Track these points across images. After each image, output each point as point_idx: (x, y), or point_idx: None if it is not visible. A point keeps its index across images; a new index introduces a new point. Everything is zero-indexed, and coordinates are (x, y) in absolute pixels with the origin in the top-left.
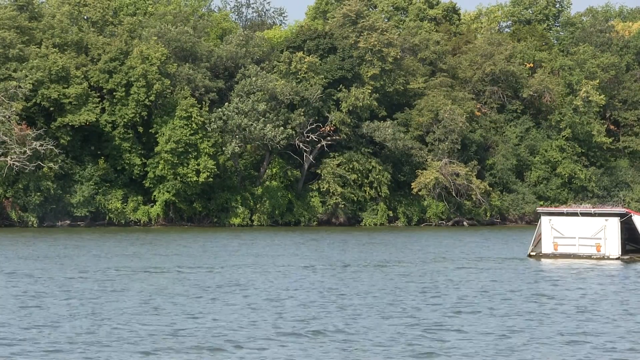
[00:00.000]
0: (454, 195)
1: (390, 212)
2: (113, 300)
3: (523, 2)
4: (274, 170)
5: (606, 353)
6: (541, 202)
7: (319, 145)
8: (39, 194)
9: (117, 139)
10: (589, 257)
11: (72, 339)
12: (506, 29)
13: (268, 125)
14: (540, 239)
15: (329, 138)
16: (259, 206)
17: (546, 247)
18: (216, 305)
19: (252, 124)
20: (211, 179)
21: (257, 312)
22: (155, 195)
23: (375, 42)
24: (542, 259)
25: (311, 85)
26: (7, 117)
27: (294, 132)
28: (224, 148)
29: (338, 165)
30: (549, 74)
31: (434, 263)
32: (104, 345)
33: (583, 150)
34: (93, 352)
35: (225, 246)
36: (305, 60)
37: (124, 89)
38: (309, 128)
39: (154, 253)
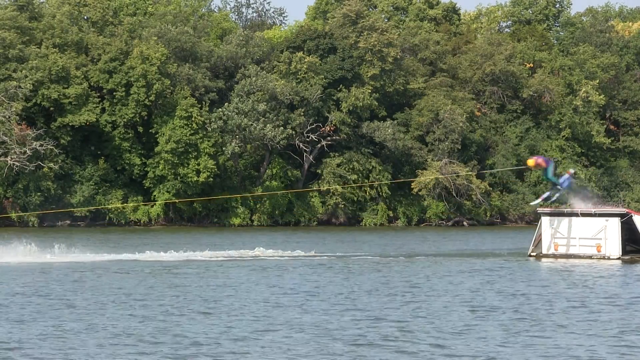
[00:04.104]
0: (454, 195)
1: (390, 212)
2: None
3: (523, 2)
4: (274, 170)
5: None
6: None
7: (319, 145)
8: (39, 194)
9: (117, 139)
10: (590, 257)
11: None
12: (506, 29)
13: (268, 125)
14: (541, 239)
15: (329, 138)
16: (259, 206)
17: (546, 248)
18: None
19: (252, 124)
20: (211, 179)
21: None
22: (155, 195)
23: (375, 42)
24: (542, 259)
25: (311, 85)
26: (7, 117)
27: (294, 132)
28: (224, 148)
29: (338, 165)
30: (549, 74)
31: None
32: None
33: (583, 150)
34: None
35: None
36: (305, 60)
37: (124, 89)
38: (309, 128)
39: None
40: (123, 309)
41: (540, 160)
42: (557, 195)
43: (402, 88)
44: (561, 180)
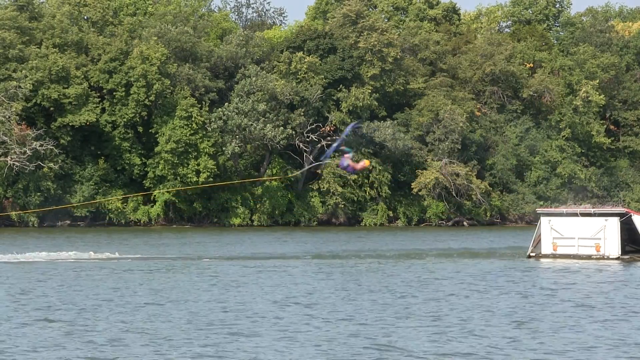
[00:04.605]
0: (454, 195)
1: (390, 212)
2: None
3: (523, 2)
4: (274, 170)
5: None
6: (541, 202)
7: (319, 145)
8: (39, 194)
9: (117, 139)
10: (589, 257)
11: None
12: (506, 29)
13: (268, 125)
14: (540, 239)
15: (329, 138)
16: (259, 206)
17: (546, 248)
18: None
19: (252, 124)
20: (211, 179)
21: None
22: (155, 196)
23: (375, 42)
24: (542, 260)
25: (311, 85)
26: (7, 117)
27: (294, 132)
28: (224, 148)
29: (338, 165)
30: (549, 74)
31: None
32: None
33: (583, 150)
34: None
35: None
36: (305, 60)
37: (124, 89)
38: (309, 128)
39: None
40: None
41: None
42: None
43: (402, 88)
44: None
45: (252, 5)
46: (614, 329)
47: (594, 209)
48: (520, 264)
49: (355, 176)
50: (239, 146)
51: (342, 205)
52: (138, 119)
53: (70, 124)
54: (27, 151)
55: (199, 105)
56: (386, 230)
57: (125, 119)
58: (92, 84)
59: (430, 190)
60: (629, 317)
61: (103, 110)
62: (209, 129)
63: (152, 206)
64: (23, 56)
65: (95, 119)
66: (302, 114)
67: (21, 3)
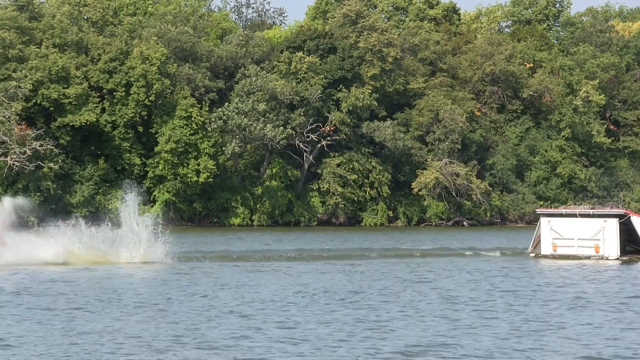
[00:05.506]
0: (454, 195)
1: (390, 212)
2: None
3: (523, 2)
4: (274, 170)
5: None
6: (541, 202)
7: (319, 145)
8: (38, 194)
9: (117, 139)
10: (588, 258)
11: None
12: (506, 29)
13: (268, 125)
14: (540, 240)
15: (329, 138)
16: (259, 206)
17: (545, 248)
18: None
19: (252, 124)
20: (211, 179)
21: None
22: (155, 195)
23: (375, 42)
24: (541, 260)
25: (311, 85)
26: (7, 117)
27: (294, 132)
28: (224, 148)
29: (338, 165)
30: (549, 74)
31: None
32: None
33: (583, 150)
34: None
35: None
36: (305, 60)
37: (124, 89)
38: (309, 128)
39: None
40: None
41: None
42: None
43: (402, 88)
44: None
45: (252, 5)
46: (613, 328)
47: (593, 210)
48: (520, 264)
49: (355, 176)
50: (239, 146)
51: (342, 205)
52: (138, 119)
53: (70, 124)
54: (27, 151)
55: (199, 105)
56: (386, 230)
57: (125, 119)
58: (92, 84)
59: (430, 190)
60: (628, 316)
61: (103, 110)
62: (209, 129)
63: (152, 206)
64: (23, 56)
65: (95, 119)
66: (302, 114)
67: (21, 3)
